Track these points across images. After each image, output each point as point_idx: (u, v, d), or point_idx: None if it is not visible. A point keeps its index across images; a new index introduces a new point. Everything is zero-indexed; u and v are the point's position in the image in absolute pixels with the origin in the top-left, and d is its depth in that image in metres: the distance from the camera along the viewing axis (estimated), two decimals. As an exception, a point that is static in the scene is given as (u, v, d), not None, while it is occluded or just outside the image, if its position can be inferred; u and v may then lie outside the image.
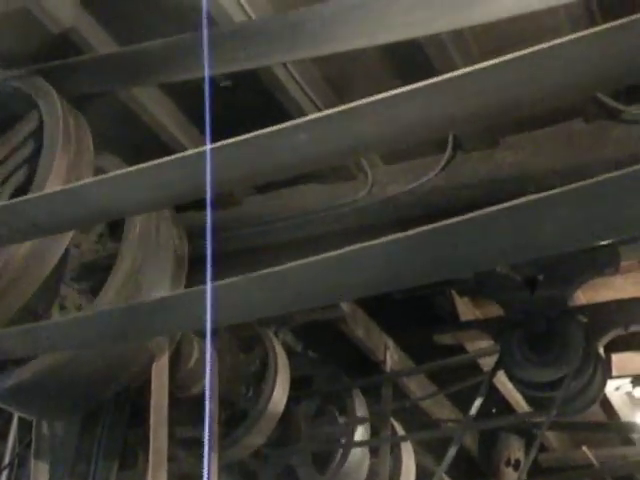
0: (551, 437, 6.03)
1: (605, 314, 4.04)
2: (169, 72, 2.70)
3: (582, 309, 4.16)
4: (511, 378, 4.05)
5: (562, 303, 3.91)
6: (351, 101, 2.91)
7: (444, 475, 5.10)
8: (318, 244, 3.43)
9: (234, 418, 4.30)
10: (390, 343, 4.81)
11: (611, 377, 5.03)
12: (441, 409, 5.49)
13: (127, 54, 2.69)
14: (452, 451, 4.04)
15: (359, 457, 4.75)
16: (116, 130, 3.10)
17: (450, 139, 3.14)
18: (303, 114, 3.10)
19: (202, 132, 3.42)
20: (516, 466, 5.90)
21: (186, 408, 4.06)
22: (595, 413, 5.49)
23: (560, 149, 3.01)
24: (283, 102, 3.07)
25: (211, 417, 3.94)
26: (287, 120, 3.09)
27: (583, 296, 4.48)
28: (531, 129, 3.11)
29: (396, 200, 3.26)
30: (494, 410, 5.67)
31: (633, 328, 4.08)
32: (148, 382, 3.35)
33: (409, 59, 2.96)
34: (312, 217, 3.38)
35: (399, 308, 4.57)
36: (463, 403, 4.78)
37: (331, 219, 3.39)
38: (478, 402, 4.12)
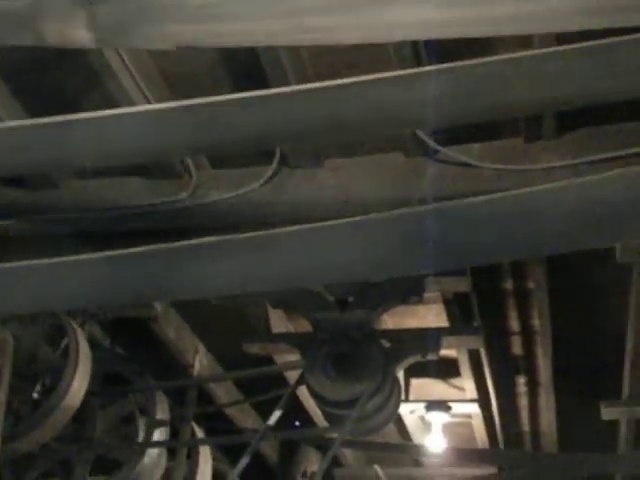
0: (348, 454, 6.22)
1: (406, 340, 4.23)
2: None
3: (386, 333, 4.34)
4: (312, 393, 4.14)
5: (368, 326, 4.07)
6: (182, 99, 2.88)
7: (239, 481, 5.14)
8: (133, 239, 3.36)
9: (26, 409, 4.11)
10: (201, 347, 4.80)
11: (408, 401, 5.30)
12: (246, 418, 5.53)
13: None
14: (246, 457, 4.08)
15: (155, 459, 4.68)
16: None
17: (277, 153, 3.19)
18: (132, 105, 3.04)
19: (23, 105, 3.26)
20: (312, 479, 6.06)
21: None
22: (391, 434, 5.74)
23: (380, 179, 3.14)
24: (113, 90, 2.99)
25: None
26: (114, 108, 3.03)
27: (390, 321, 4.68)
28: (355, 155, 3.22)
29: (217, 206, 3.26)
30: (297, 423, 5.79)
31: (430, 356, 4.31)
32: None
33: (246, 70, 2.99)
34: (129, 211, 3.31)
35: (213, 313, 4.57)
36: (268, 414, 4.84)
37: (149, 216, 3.34)
38: (278, 413, 4.19)
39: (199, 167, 3.36)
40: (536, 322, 4.42)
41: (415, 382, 5.21)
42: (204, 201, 3.27)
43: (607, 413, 4.98)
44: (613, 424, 5.17)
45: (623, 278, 3.91)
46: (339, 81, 2.18)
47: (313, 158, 3.21)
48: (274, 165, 3.22)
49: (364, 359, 3.99)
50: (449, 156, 3.08)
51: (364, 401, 3.94)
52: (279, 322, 4.70)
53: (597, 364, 4.81)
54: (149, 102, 3.02)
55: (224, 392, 5.12)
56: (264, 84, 2.91)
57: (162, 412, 4.63)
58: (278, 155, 3.19)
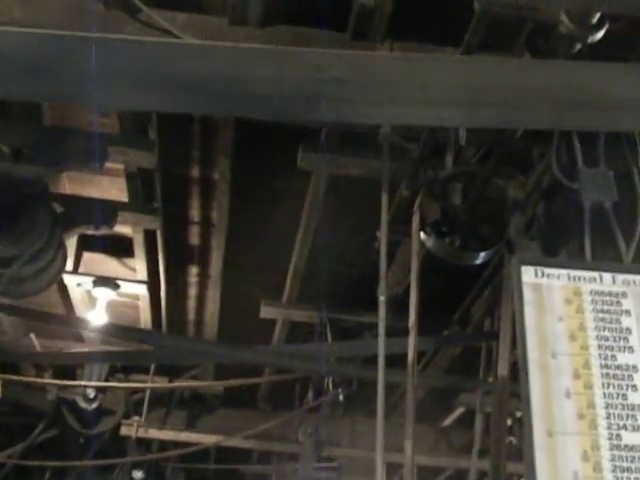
0: (6, 322, 5.93)
1: (80, 208, 4.07)
2: None
3: (60, 197, 4.13)
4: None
5: (40, 184, 3.82)
6: None
7: None
8: None
9: None
10: None
11: (76, 273, 5.15)
12: None
13: None
14: None
15: None
16: None
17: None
18: None
19: None
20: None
21: None
22: (55, 305, 5.57)
23: (64, 22, 2.89)
24: None
25: None
26: None
27: (69, 187, 4.46)
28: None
29: None
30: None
31: (103, 230, 4.20)
32: None
33: None
34: None
35: None
36: None
37: None
38: None
39: None
40: (215, 214, 4.48)
41: (87, 255, 5.07)
42: None
43: (266, 312, 5.30)
44: (270, 322, 5.53)
45: (301, 186, 4.11)
46: None
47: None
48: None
49: (30, 219, 3.76)
50: (152, 19, 2.93)
51: (21, 262, 3.73)
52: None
53: (265, 265, 5.05)
54: None
55: None
56: None
57: None
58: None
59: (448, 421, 6.67)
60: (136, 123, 3.74)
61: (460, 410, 6.30)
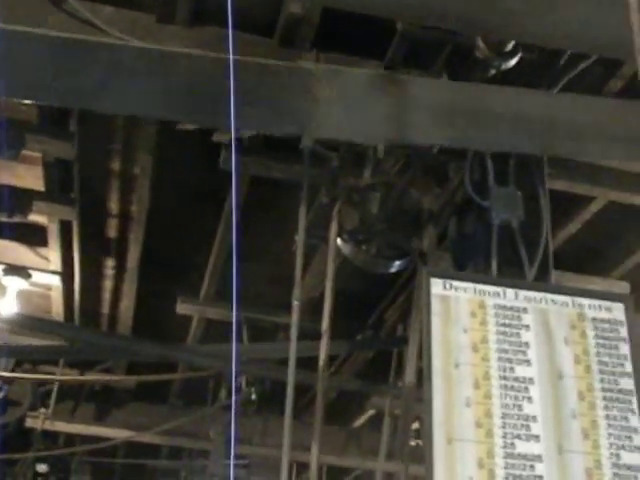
0: None
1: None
2: None
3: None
4: None
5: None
6: None
7: None
8: None
9: None
10: None
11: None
12: None
13: None
14: None
15: None
16: None
17: None
18: None
19: None
20: None
21: None
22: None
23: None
24: None
25: None
26: None
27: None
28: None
29: None
30: None
31: (17, 218, 4.12)
32: None
33: None
34: None
35: None
36: None
37: None
38: None
39: None
40: (134, 208, 4.44)
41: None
42: None
43: (182, 308, 5.27)
44: (187, 319, 5.50)
45: (223, 185, 4.11)
46: None
47: None
48: None
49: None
50: (75, 9, 2.89)
51: None
52: None
53: (183, 262, 5.03)
54: None
55: None
56: None
57: None
58: None
59: (358, 423, 6.78)
60: (56, 113, 3.67)
61: (370, 412, 6.41)
